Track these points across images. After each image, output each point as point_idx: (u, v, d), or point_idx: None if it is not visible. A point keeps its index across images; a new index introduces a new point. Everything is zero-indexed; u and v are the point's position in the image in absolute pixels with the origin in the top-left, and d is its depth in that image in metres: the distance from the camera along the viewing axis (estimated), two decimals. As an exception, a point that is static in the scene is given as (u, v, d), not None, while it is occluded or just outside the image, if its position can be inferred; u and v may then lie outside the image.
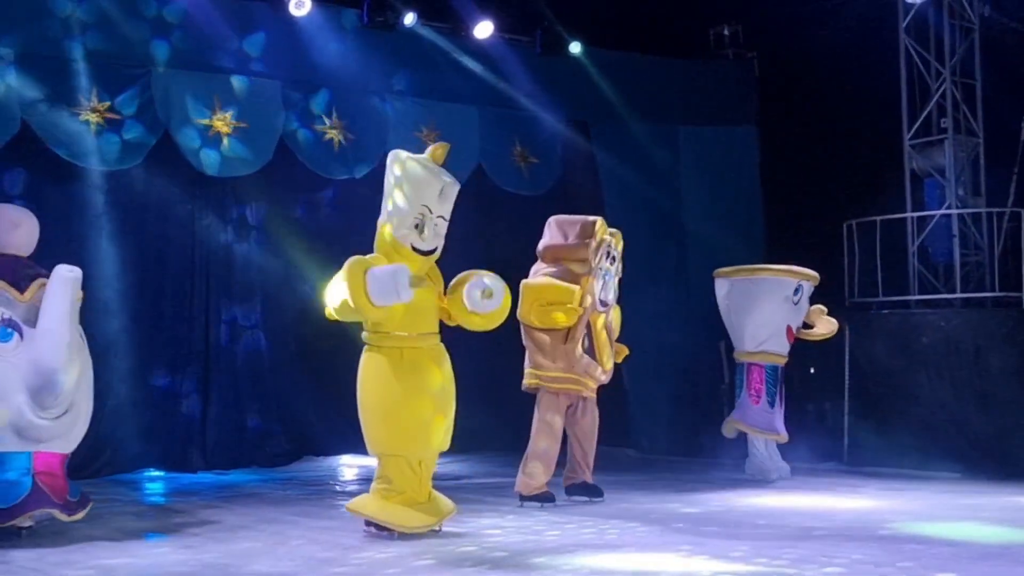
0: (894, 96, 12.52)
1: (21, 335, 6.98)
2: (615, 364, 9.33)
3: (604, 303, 8.88)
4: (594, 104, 13.02)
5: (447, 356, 7.58)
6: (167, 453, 11.29)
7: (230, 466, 11.47)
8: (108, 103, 10.14)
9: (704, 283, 11.24)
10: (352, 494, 8.21)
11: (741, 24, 13.95)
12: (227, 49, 10.89)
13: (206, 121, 10.69)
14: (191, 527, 7.93)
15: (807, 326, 10.92)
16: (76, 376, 7.08)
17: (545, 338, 8.80)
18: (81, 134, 10.02)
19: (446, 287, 7.69)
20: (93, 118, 10.07)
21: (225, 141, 10.75)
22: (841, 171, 12.78)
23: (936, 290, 12.08)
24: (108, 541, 7.21)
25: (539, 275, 8.93)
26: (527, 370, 8.99)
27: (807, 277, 10.71)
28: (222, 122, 10.74)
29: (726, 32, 14.02)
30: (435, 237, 7.46)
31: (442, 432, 7.51)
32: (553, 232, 9.01)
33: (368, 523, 7.47)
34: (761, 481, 10.29)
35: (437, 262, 7.66)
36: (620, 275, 9.15)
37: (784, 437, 10.68)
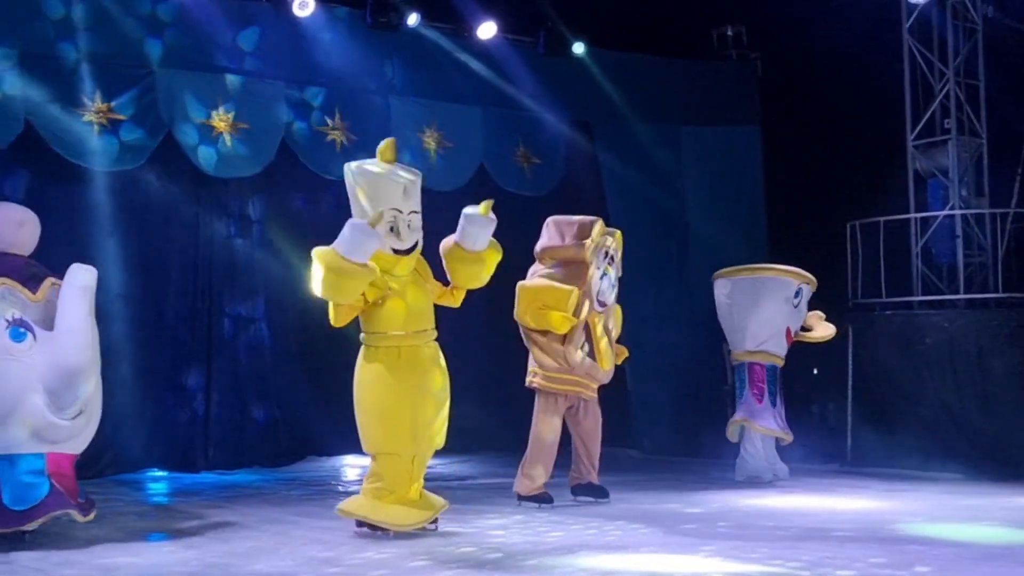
0: (897, 97, 12.51)
1: (34, 336, 6.96)
2: (617, 365, 9.33)
3: (603, 304, 8.86)
4: (597, 105, 13.02)
5: (441, 354, 7.60)
6: (170, 453, 11.31)
7: (233, 466, 11.50)
8: (111, 104, 10.14)
9: (706, 284, 11.22)
10: (354, 494, 8.20)
11: (744, 25, 13.94)
12: (230, 50, 10.90)
13: (208, 122, 10.69)
14: (194, 527, 7.94)
15: (805, 329, 10.91)
16: (97, 377, 7.08)
17: (543, 339, 8.81)
18: (84, 135, 10.03)
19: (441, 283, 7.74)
20: (96, 119, 10.07)
21: (228, 141, 10.76)
22: (844, 172, 12.78)
23: (939, 291, 12.07)
24: (111, 541, 7.21)
25: (535, 276, 8.92)
26: (530, 368, 9.00)
27: (807, 280, 10.71)
28: (224, 123, 10.74)
29: (729, 33, 14.01)
30: (412, 233, 7.45)
31: (438, 430, 7.54)
32: (551, 233, 9.00)
33: (360, 523, 7.48)
34: (756, 482, 10.27)
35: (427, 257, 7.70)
36: (620, 275, 9.13)
37: (790, 436, 10.67)
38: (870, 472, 10.94)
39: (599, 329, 8.86)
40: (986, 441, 10.92)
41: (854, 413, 11.82)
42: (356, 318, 7.44)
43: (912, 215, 12.31)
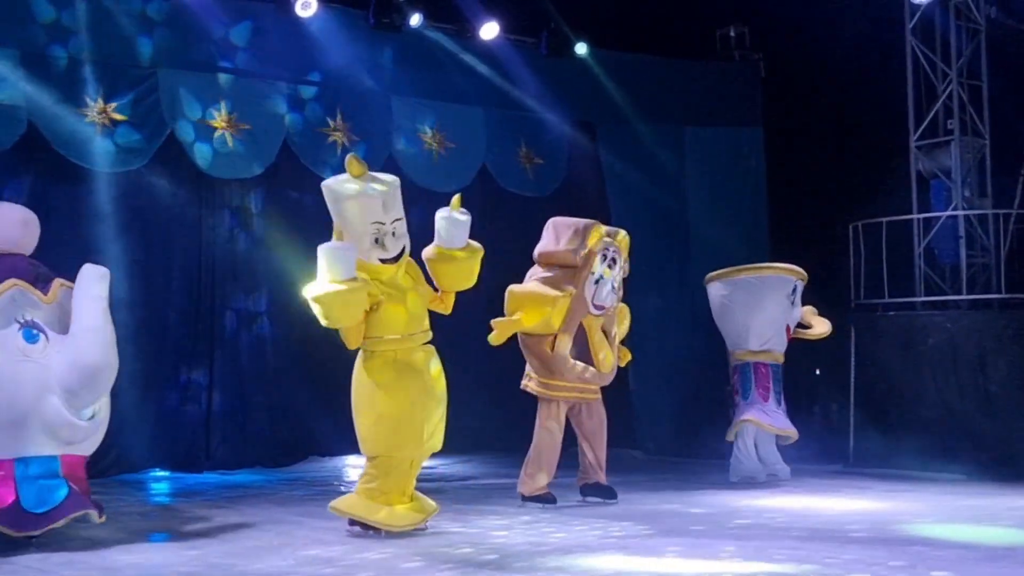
0: (900, 97, 12.50)
1: (47, 337, 6.94)
2: (620, 367, 9.34)
3: (600, 308, 8.85)
4: (600, 105, 13.02)
5: (437, 356, 7.63)
6: (173, 453, 11.32)
7: (236, 466, 11.51)
8: (113, 104, 10.15)
9: (709, 284, 11.22)
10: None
11: (747, 26, 13.93)
12: (232, 50, 10.91)
13: (211, 122, 10.70)
14: (196, 527, 7.95)
15: (802, 326, 10.89)
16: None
17: (534, 344, 8.84)
18: (87, 135, 10.04)
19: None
20: (99, 119, 10.08)
21: (229, 142, 10.76)
22: (847, 172, 12.78)
23: (942, 292, 12.06)
24: (113, 541, 7.21)
25: (531, 280, 8.94)
26: (525, 371, 9.03)
27: (801, 276, 10.70)
28: (227, 123, 10.75)
29: (732, 33, 14.01)
30: (397, 241, 7.45)
31: (436, 433, 7.58)
32: (549, 235, 9.01)
33: (352, 522, 7.53)
34: (750, 483, 10.27)
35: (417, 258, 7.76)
36: (624, 276, 9.11)
37: (796, 434, 10.67)
38: (872, 473, 10.93)
39: (596, 333, 8.83)
40: (989, 442, 10.91)
41: (856, 414, 11.82)
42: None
43: (915, 216, 12.31)
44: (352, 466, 12.03)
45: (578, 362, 8.78)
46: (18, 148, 9.89)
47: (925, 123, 12.40)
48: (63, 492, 6.97)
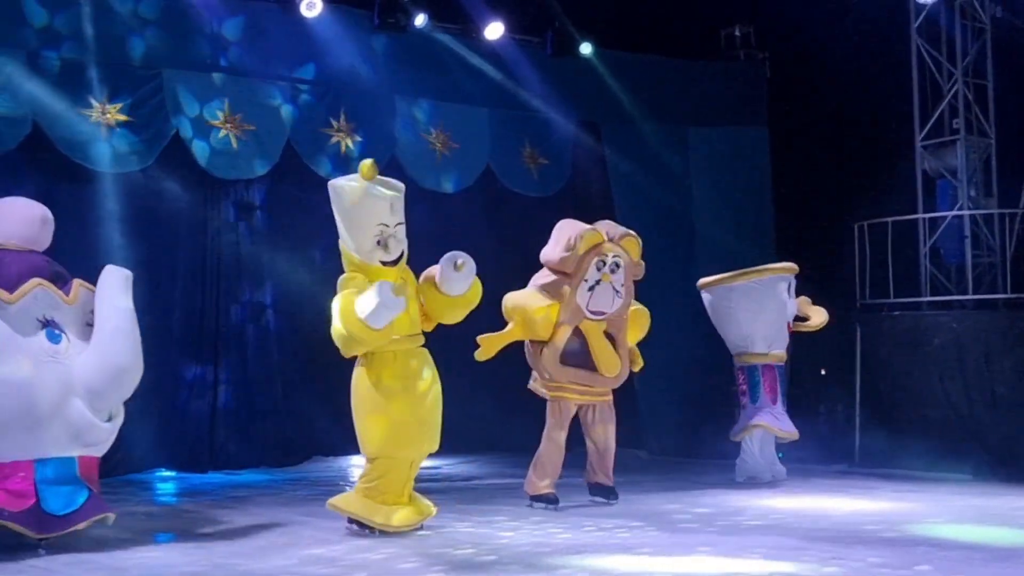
0: (906, 97, 12.50)
1: (68, 338, 6.95)
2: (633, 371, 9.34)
3: (598, 313, 8.81)
4: (604, 105, 13.01)
5: (431, 359, 7.72)
6: (178, 453, 11.34)
7: (241, 466, 11.53)
8: (118, 105, 10.15)
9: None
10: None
11: (752, 25, 13.92)
12: (237, 51, 10.90)
13: (215, 123, 10.70)
14: (202, 527, 7.96)
15: (799, 318, 10.85)
16: None
17: (532, 348, 8.96)
18: (91, 136, 10.04)
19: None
20: (103, 120, 10.09)
21: (233, 143, 10.76)
22: (852, 172, 12.77)
23: (948, 291, 12.05)
24: (119, 541, 7.23)
25: (532, 284, 9.01)
26: (532, 373, 9.10)
27: (792, 270, 10.62)
28: (231, 124, 10.75)
29: (737, 33, 13.99)
30: (398, 244, 7.58)
31: (433, 433, 7.66)
32: (552, 239, 9.04)
33: (351, 520, 7.59)
34: (755, 482, 10.26)
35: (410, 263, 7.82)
36: (637, 278, 9.05)
37: (797, 434, 10.66)
38: (878, 472, 10.91)
39: (596, 337, 8.80)
40: (995, 442, 10.89)
41: (862, 413, 11.80)
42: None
43: (920, 215, 12.29)
44: (356, 466, 12.01)
45: (569, 367, 8.78)
46: (23, 149, 9.90)
47: (931, 123, 12.38)
48: (84, 495, 6.99)
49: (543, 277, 9.00)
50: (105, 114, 10.08)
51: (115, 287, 7.02)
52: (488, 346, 8.75)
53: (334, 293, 7.46)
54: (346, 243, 7.61)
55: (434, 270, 7.63)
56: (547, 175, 12.86)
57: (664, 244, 12.85)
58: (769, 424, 10.47)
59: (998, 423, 10.94)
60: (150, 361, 10.83)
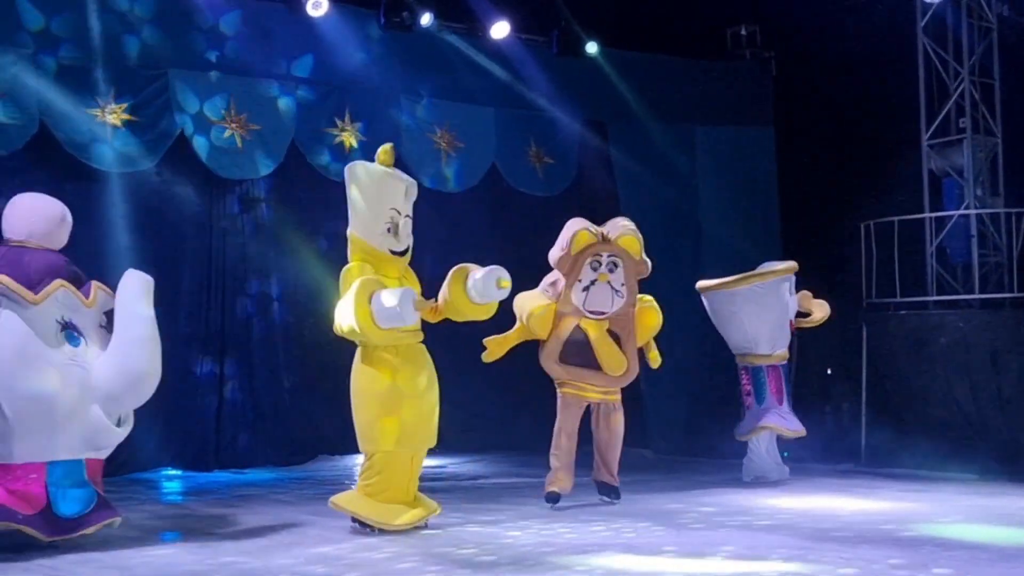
0: (912, 96, 12.48)
1: (86, 341, 6.96)
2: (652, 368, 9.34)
3: (597, 312, 8.79)
4: (611, 104, 13.00)
5: (429, 355, 7.77)
6: (184, 452, 11.37)
7: (246, 465, 11.54)
8: (124, 105, 10.17)
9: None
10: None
11: (758, 24, 13.90)
12: (243, 50, 10.90)
13: (221, 123, 10.71)
14: (208, 526, 7.97)
15: (801, 314, 10.82)
16: None
17: (539, 347, 9.01)
18: (98, 136, 10.06)
19: (424, 286, 7.88)
20: (110, 120, 10.10)
21: (239, 144, 10.78)
22: (858, 171, 12.75)
23: (954, 291, 12.03)
24: (125, 539, 7.24)
25: (541, 285, 9.06)
26: None
27: (793, 269, 10.55)
28: (237, 124, 10.76)
29: (743, 32, 13.97)
30: (407, 235, 7.68)
31: (431, 429, 7.70)
32: (558, 239, 9.05)
33: (354, 519, 7.61)
34: (762, 482, 10.26)
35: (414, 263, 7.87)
36: (641, 276, 9.00)
37: (804, 432, 10.65)
38: (884, 472, 10.89)
39: (598, 336, 8.78)
40: (1001, 441, 10.88)
41: (868, 413, 11.79)
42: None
43: (927, 215, 12.28)
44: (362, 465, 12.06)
45: (569, 366, 8.80)
46: (30, 149, 9.92)
47: (937, 121, 12.37)
48: (93, 499, 7.01)
49: (550, 277, 9.05)
50: (111, 114, 10.10)
51: (137, 293, 7.01)
52: (494, 347, 8.81)
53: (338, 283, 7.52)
54: (355, 228, 7.63)
55: (464, 269, 7.58)
56: (553, 174, 12.86)
57: (670, 243, 12.85)
58: (777, 425, 10.46)
59: (1004, 422, 10.92)
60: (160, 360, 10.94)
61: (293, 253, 11.87)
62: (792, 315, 10.67)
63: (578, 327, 8.79)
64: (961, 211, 12.10)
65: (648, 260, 9.06)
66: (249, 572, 6.33)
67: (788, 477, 10.46)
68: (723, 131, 13.60)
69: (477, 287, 7.43)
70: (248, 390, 11.86)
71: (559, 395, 8.98)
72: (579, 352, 8.80)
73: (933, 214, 12.26)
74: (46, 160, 10.21)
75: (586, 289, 8.78)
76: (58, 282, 6.88)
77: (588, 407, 9.00)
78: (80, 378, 6.81)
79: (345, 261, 7.68)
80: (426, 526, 7.70)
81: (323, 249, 11.52)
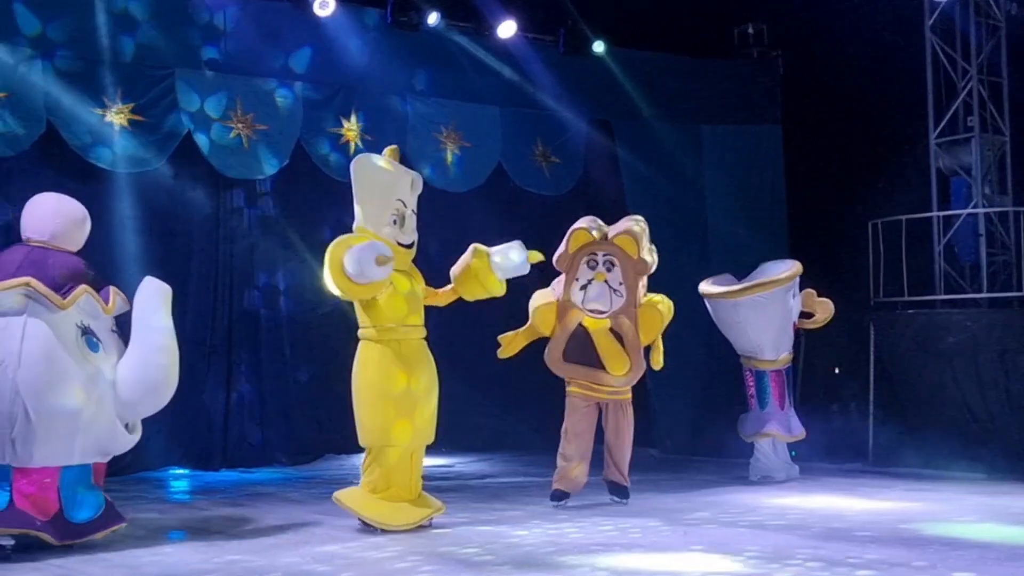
0: (920, 94, 12.44)
1: (103, 348, 6.97)
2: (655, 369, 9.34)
3: (597, 311, 8.77)
4: (617, 104, 13.00)
5: (429, 351, 7.84)
6: (192, 451, 11.38)
7: (254, 464, 11.55)
8: (131, 105, 10.17)
9: (727, 283, 11.15)
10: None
11: (766, 23, 13.87)
12: (250, 51, 10.89)
13: (227, 123, 10.71)
14: (214, 525, 7.98)
15: (805, 315, 10.77)
16: None
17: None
18: (104, 136, 10.07)
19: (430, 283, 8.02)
20: (117, 119, 10.11)
21: (246, 144, 10.78)
22: (866, 170, 12.72)
23: (962, 289, 12.00)
24: (133, 539, 7.25)
25: (553, 283, 9.09)
26: None
27: (798, 271, 10.47)
28: (243, 124, 10.76)
29: (750, 31, 13.94)
30: (412, 231, 7.78)
31: (429, 423, 7.77)
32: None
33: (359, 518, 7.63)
34: (769, 481, 10.24)
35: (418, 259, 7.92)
36: (640, 272, 8.97)
37: (804, 434, 10.63)
38: (892, 471, 10.88)
39: (600, 335, 8.76)
40: (1009, 440, 10.85)
41: (876, 412, 11.76)
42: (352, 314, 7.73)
43: (935, 213, 12.24)
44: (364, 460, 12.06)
45: (572, 364, 8.81)
46: (37, 148, 9.94)
47: (945, 120, 12.33)
48: (102, 503, 7.03)
49: (562, 276, 9.07)
50: (117, 114, 10.10)
51: (156, 302, 7.03)
52: (507, 344, 8.88)
53: None
54: (362, 221, 7.68)
55: (481, 249, 7.89)
56: (559, 174, 12.84)
57: (677, 242, 12.83)
58: (779, 432, 10.46)
59: (1013, 421, 10.89)
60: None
61: (304, 261, 11.85)
62: (796, 316, 10.64)
63: (580, 326, 8.79)
64: (969, 210, 12.06)
65: (647, 258, 8.97)
66: (256, 571, 6.33)
67: (798, 477, 10.45)
68: (730, 130, 13.59)
69: (509, 252, 7.79)
70: (256, 389, 11.87)
71: (567, 394, 8.97)
72: (582, 351, 8.79)
73: (941, 213, 12.23)
74: (54, 160, 10.23)
75: (584, 288, 8.78)
76: (83, 288, 6.88)
77: (599, 406, 8.99)
78: (98, 384, 6.82)
79: None
80: (431, 525, 7.70)
81: (328, 237, 11.48)
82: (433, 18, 11.66)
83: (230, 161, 10.82)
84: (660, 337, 9.18)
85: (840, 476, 10.67)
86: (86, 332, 6.87)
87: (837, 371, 12.66)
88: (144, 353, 6.94)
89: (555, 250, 9.04)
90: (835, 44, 12.40)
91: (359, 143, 11.29)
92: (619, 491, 9.03)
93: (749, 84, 13.82)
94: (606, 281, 8.78)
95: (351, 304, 7.83)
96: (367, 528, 7.54)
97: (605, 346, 8.77)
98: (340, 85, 11.42)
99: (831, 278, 11.33)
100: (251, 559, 6.64)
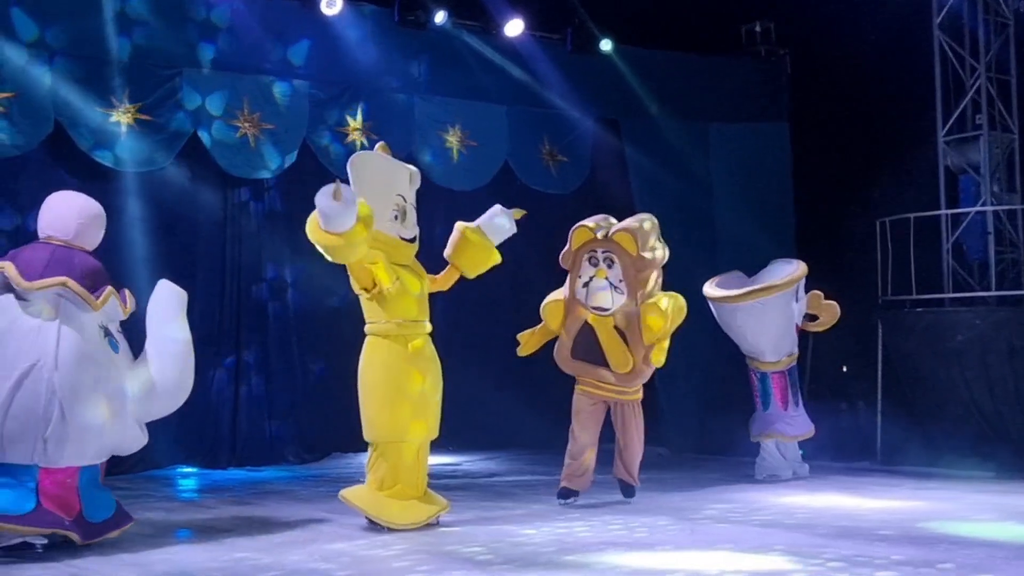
0: (928, 92, 12.42)
1: (121, 348, 7.00)
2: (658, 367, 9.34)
3: (599, 309, 8.74)
4: (625, 102, 12.99)
5: (433, 347, 7.90)
6: (199, 450, 11.39)
7: (261, 462, 11.56)
8: (139, 104, 10.19)
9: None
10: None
11: (773, 21, 13.86)
12: (256, 50, 10.92)
13: (234, 122, 10.72)
14: (222, 523, 7.98)
15: (810, 318, 10.74)
16: None
17: None
18: (112, 135, 10.09)
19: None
20: (124, 119, 10.13)
21: (252, 143, 10.79)
22: (874, 168, 12.70)
23: (971, 288, 11.97)
24: (141, 537, 7.26)
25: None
26: None
27: (803, 274, 10.45)
28: (250, 123, 10.78)
29: (758, 29, 13.94)
30: (413, 225, 7.82)
31: (434, 419, 7.80)
32: None
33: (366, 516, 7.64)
34: (775, 480, 10.23)
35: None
36: (626, 276, 8.76)
37: (812, 431, 10.61)
38: (900, 470, 10.86)
39: (604, 333, 8.74)
40: (1018, 439, 10.82)
41: (884, 411, 11.74)
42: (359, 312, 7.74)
43: (943, 211, 12.22)
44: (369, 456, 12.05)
45: (579, 361, 8.82)
46: (45, 147, 9.96)
47: (953, 118, 12.31)
48: (113, 502, 7.06)
49: None
50: (124, 113, 10.12)
51: (172, 306, 7.13)
52: (525, 343, 9.01)
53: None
54: None
55: (471, 224, 8.09)
56: (566, 172, 12.84)
57: (685, 241, 12.75)
58: (782, 433, 10.45)
59: (1022, 420, 10.86)
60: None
61: (311, 261, 11.83)
62: (799, 319, 10.60)
63: (586, 323, 8.79)
64: (977, 208, 12.04)
65: (647, 255, 8.82)
66: (263, 569, 6.34)
67: (808, 475, 10.43)
68: (738, 128, 13.57)
69: (495, 214, 8.01)
70: (263, 388, 11.87)
71: (575, 393, 8.97)
72: (589, 348, 8.79)
73: (949, 211, 12.20)
74: (61, 160, 10.25)
75: (586, 285, 8.78)
76: (110, 290, 6.90)
77: (608, 405, 8.97)
78: (118, 384, 6.86)
79: None
80: (438, 523, 7.71)
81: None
82: (440, 16, 11.67)
83: (236, 160, 10.85)
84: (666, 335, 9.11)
85: (848, 474, 10.65)
86: (107, 333, 6.89)
87: (845, 369, 12.64)
88: (160, 357, 7.00)
89: (560, 249, 9.05)
90: (843, 42, 12.38)
91: (365, 141, 11.29)
92: (626, 490, 9.05)
93: (757, 82, 13.81)
94: (607, 278, 8.76)
95: (358, 299, 7.81)
96: (374, 526, 7.54)
97: (609, 344, 8.77)
98: (347, 83, 11.44)
99: (839, 276, 11.31)
100: (259, 557, 6.65)
